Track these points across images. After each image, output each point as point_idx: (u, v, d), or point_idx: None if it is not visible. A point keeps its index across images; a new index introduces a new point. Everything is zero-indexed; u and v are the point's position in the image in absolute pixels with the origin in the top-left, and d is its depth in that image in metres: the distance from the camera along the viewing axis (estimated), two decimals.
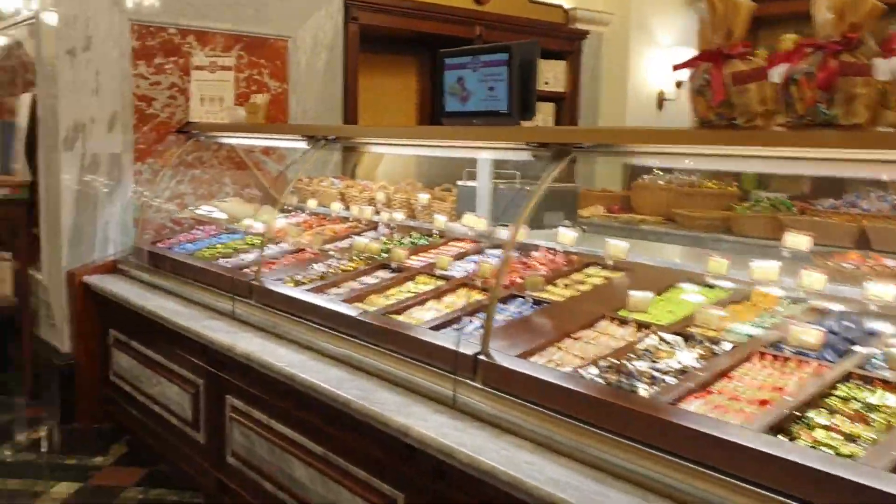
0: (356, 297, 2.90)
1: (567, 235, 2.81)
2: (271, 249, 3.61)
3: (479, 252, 3.14)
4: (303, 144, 3.64)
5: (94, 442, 4.04)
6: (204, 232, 4.25)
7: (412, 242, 3.39)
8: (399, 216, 3.68)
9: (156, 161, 4.43)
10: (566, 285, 2.64)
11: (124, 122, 4.33)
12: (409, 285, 2.94)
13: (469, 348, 2.23)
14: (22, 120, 4.57)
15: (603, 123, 6.46)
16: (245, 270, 3.45)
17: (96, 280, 4.18)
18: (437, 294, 2.77)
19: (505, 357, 2.16)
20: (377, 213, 3.84)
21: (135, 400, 3.92)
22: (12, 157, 4.62)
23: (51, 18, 4.22)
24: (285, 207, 4.24)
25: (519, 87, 2.95)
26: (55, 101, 4.20)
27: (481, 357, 2.18)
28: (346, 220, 4.00)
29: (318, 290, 3.05)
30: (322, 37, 4.92)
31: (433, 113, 6.14)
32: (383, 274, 3.12)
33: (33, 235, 4.56)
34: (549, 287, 2.64)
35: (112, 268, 4.28)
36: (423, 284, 2.91)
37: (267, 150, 4.78)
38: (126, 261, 4.26)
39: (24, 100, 4.58)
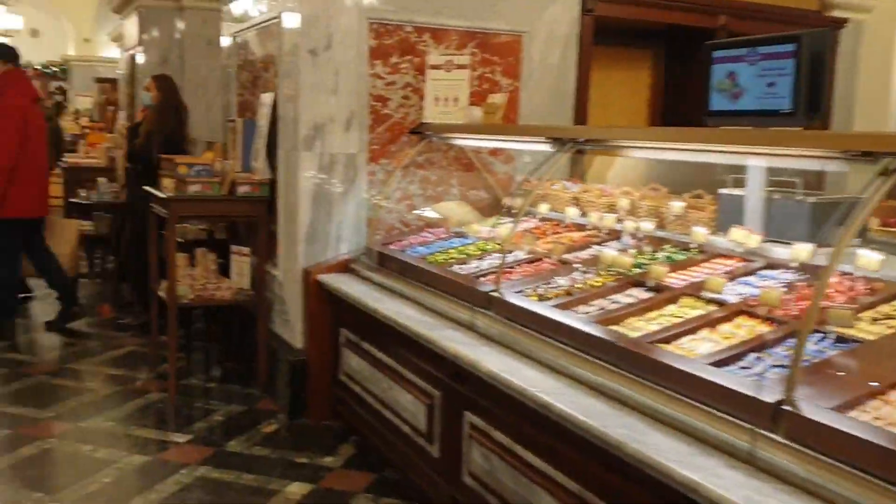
0: (610, 319, 2.64)
1: (869, 258, 2.39)
2: (503, 257, 3.42)
3: (751, 273, 2.77)
4: (545, 147, 3.43)
5: (323, 440, 4.06)
6: (434, 235, 4.15)
7: (667, 257, 3.08)
8: (647, 226, 3.37)
9: (389, 162, 4.39)
10: (874, 320, 2.23)
11: (360, 122, 4.32)
12: (672, 308, 2.64)
13: (767, 394, 1.91)
14: (263, 119, 4.69)
15: (860, 123, 5.77)
16: (482, 279, 3.29)
17: (330, 279, 4.20)
18: (710, 322, 2.45)
19: (816, 409, 1.82)
20: (620, 221, 3.56)
21: (364, 402, 3.89)
22: (253, 155, 4.76)
23: (293, 19, 4.28)
24: (514, 212, 4.06)
25: (808, 82, 2.57)
26: (296, 100, 4.26)
27: (786, 407, 1.85)
28: (582, 227, 3.75)
29: (564, 306, 2.82)
30: (557, 31, 4.69)
31: (665, 110, 5.75)
32: (637, 293, 2.84)
33: (271, 232, 4.67)
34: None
35: (344, 267, 4.29)
36: (689, 308, 2.60)
37: (495, 151, 4.62)
38: (358, 261, 4.26)
39: (266, 99, 4.70)
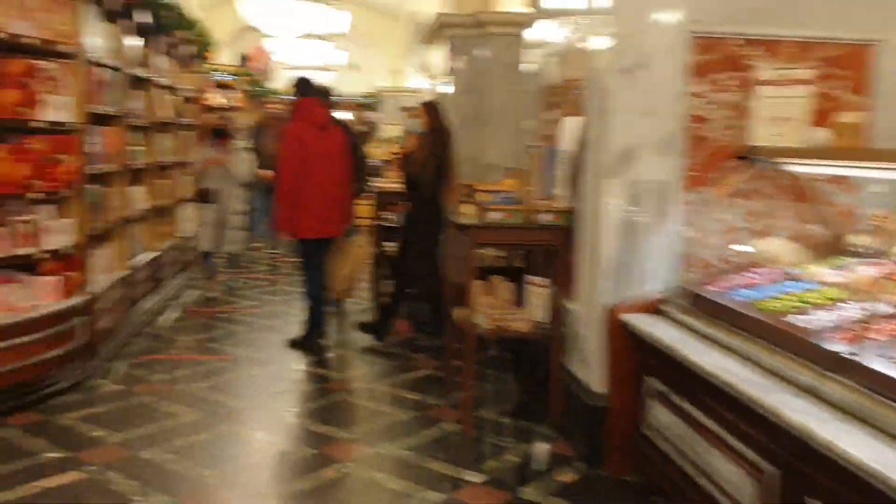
0: None
1: None
2: (857, 309, 2.83)
3: None
4: None
5: (623, 498, 3.69)
6: (761, 276, 3.60)
7: None
8: None
9: (707, 190, 3.92)
10: None
11: (675, 146, 3.90)
12: None
13: None
14: (567, 144, 4.45)
15: None
16: (830, 336, 2.72)
17: (635, 320, 3.81)
18: None
19: None
20: None
21: (673, 463, 3.44)
22: (555, 182, 4.54)
23: (605, 37, 3.99)
24: (867, 252, 3.41)
25: None
26: (605, 124, 3.95)
27: None
28: None
29: None
30: None
31: None
32: None
33: (570, 263, 4.40)
34: None
35: (653, 308, 3.88)
36: None
37: (838, 180, 3.95)
38: (669, 301, 3.83)
39: (571, 124, 4.46)
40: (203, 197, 7.27)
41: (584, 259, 4.24)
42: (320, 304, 6.18)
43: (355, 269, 6.96)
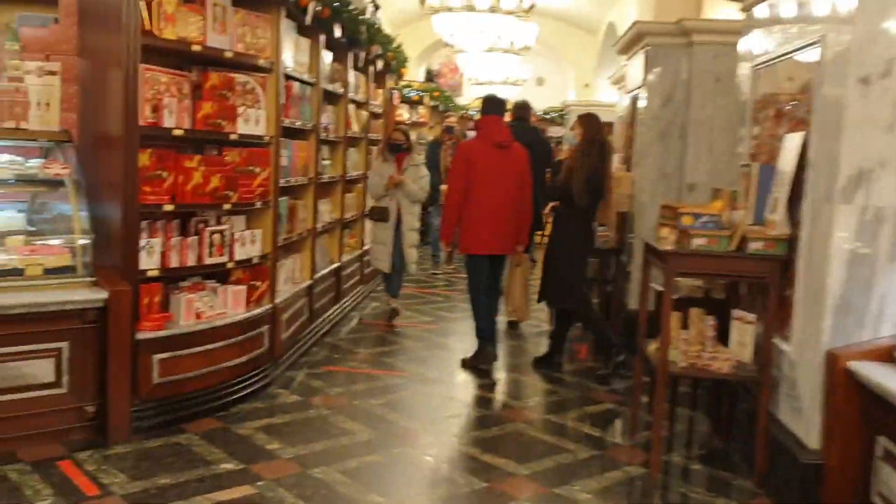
0: None
1: None
2: None
3: None
4: None
5: None
6: None
7: None
8: None
9: None
10: None
11: None
12: None
13: None
14: (786, 164, 3.93)
15: None
16: None
17: (864, 368, 3.27)
18: None
19: None
20: None
21: None
22: (769, 206, 4.02)
23: (839, 42, 3.47)
24: None
25: None
26: (835, 141, 3.44)
27: None
28: None
29: None
30: None
31: None
32: None
33: (783, 298, 3.88)
34: None
35: (886, 355, 3.31)
36: None
37: None
38: None
39: (792, 141, 3.94)
40: (378, 215, 7.14)
41: (801, 294, 3.72)
42: (491, 324, 5.99)
43: (521, 288, 6.71)
